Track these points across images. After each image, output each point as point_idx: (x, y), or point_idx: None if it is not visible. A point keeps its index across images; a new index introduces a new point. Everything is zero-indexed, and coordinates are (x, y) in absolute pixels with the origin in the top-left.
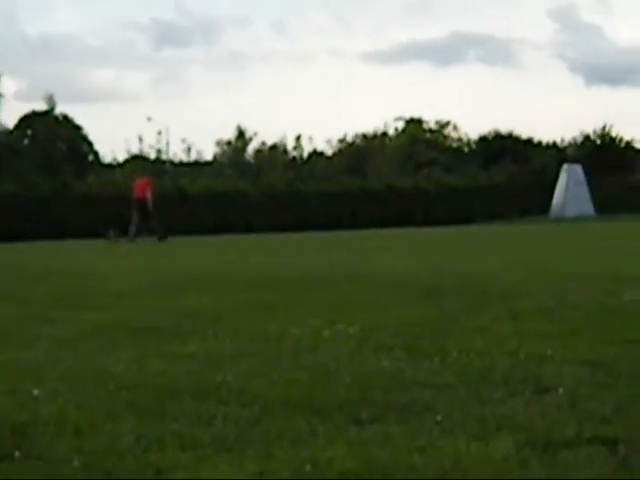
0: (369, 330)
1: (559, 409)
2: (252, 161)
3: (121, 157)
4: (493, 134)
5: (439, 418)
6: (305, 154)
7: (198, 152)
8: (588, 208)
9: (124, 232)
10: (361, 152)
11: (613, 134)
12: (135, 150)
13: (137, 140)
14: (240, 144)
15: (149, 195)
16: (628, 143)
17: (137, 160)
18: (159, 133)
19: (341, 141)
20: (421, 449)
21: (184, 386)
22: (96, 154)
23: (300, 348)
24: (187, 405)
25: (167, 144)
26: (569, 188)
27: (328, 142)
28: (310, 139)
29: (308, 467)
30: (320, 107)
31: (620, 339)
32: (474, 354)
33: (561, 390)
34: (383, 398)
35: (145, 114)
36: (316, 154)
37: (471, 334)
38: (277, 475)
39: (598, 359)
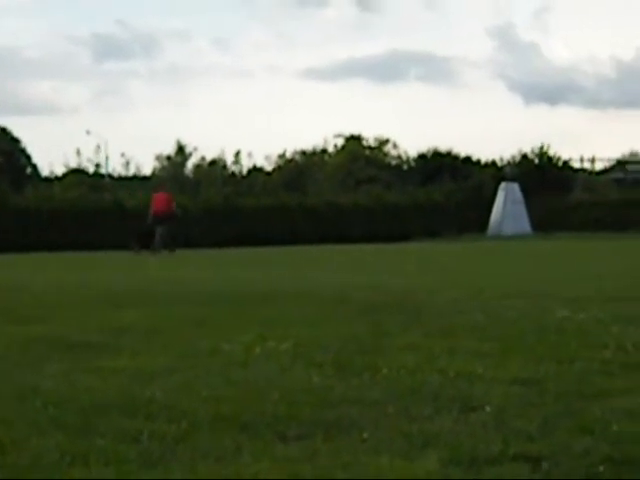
0: (301, 346)
1: (485, 427)
2: (191, 176)
3: (59, 170)
4: (432, 152)
5: (365, 435)
6: (244, 170)
7: (137, 166)
8: (525, 226)
9: (147, 245)
10: (300, 168)
11: (551, 153)
12: (74, 164)
13: (75, 154)
14: (180, 159)
15: (175, 208)
16: (565, 162)
17: (75, 174)
18: (98, 147)
19: (280, 157)
20: (345, 466)
21: (112, 402)
22: (34, 167)
23: (230, 364)
24: (114, 421)
25: (106, 158)
26: (506, 206)
27: (267, 158)
28: (249, 155)
29: None
30: (260, 123)
31: (552, 357)
32: (404, 371)
33: (488, 408)
34: (311, 415)
35: (84, 127)
36: (255, 170)
37: (402, 351)
38: None
39: (528, 377)
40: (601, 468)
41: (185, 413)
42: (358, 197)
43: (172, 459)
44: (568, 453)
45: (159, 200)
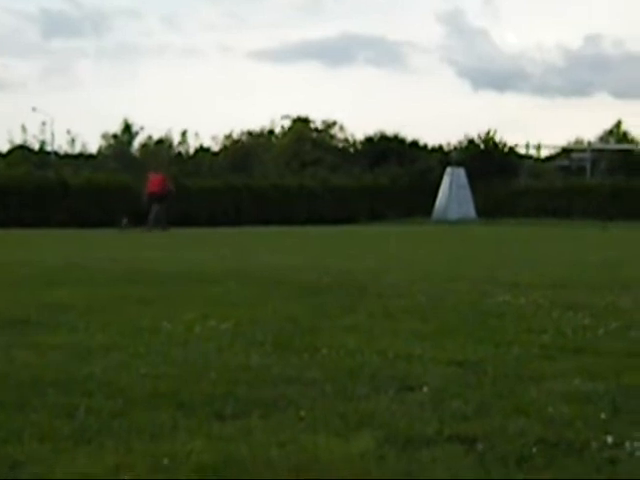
0: (242, 326)
1: (422, 407)
2: (137, 155)
3: (4, 147)
4: (379, 135)
5: (302, 414)
6: (191, 150)
7: (83, 144)
8: (470, 211)
9: (137, 222)
10: (247, 149)
11: (497, 139)
12: (19, 140)
13: (21, 130)
14: (126, 138)
15: (172, 188)
16: (511, 148)
17: (20, 150)
18: (44, 124)
19: (227, 138)
20: (281, 444)
21: (49, 378)
22: None
23: (171, 343)
24: (50, 397)
25: (52, 135)
26: (452, 191)
27: (214, 138)
28: (196, 135)
29: (165, 461)
30: (208, 103)
31: (491, 340)
32: (344, 351)
33: (426, 389)
34: (248, 393)
35: (31, 104)
36: (202, 150)
37: (343, 332)
38: (133, 468)
39: (467, 359)
40: (534, 449)
41: (122, 390)
42: (304, 179)
43: (107, 435)
44: (503, 434)
45: (154, 181)
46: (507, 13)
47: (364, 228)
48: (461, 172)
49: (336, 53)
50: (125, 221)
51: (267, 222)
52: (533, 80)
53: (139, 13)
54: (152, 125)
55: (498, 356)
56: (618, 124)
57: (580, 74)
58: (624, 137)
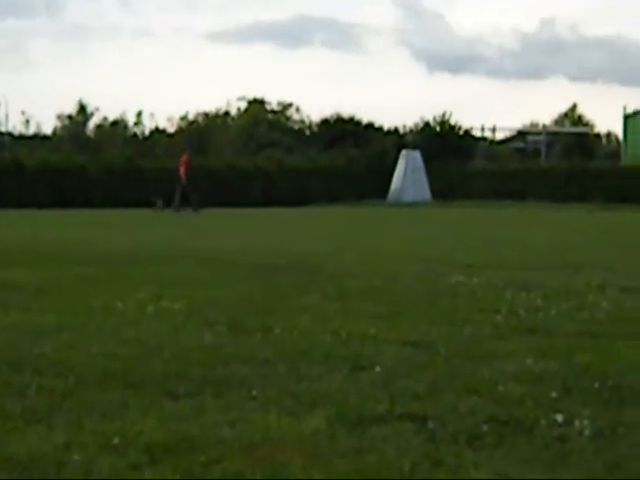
0: (195, 306)
1: (374, 386)
2: (92, 136)
3: None
4: (335, 117)
5: (254, 393)
6: (147, 131)
7: (38, 125)
8: (425, 193)
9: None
10: (202, 131)
11: (452, 122)
12: None
13: None
14: (81, 118)
15: (182, 171)
16: (467, 131)
17: None
18: None
19: (183, 119)
20: (232, 423)
21: (0, 357)
22: None
23: (123, 322)
24: (1, 376)
25: (6, 116)
26: (407, 173)
27: (170, 120)
28: (152, 116)
29: (116, 439)
30: (163, 85)
31: (444, 320)
32: (297, 332)
33: (378, 368)
34: (201, 373)
35: None
36: (158, 131)
37: (297, 312)
38: (84, 447)
39: (420, 339)
40: (485, 428)
41: (73, 369)
42: (259, 160)
43: (58, 414)
44: (454, 413)
45: (180, 163)
46: None
47: (319, 210)
48: (416, 155)
49: (291, 35)
50: (160, 203)
51: (222, 203)
52: (489, 63)
53: None
54: (107, 106)
55: (451, 336)
56: (573, 107)
57: (535, 57)
58: (579, 120)
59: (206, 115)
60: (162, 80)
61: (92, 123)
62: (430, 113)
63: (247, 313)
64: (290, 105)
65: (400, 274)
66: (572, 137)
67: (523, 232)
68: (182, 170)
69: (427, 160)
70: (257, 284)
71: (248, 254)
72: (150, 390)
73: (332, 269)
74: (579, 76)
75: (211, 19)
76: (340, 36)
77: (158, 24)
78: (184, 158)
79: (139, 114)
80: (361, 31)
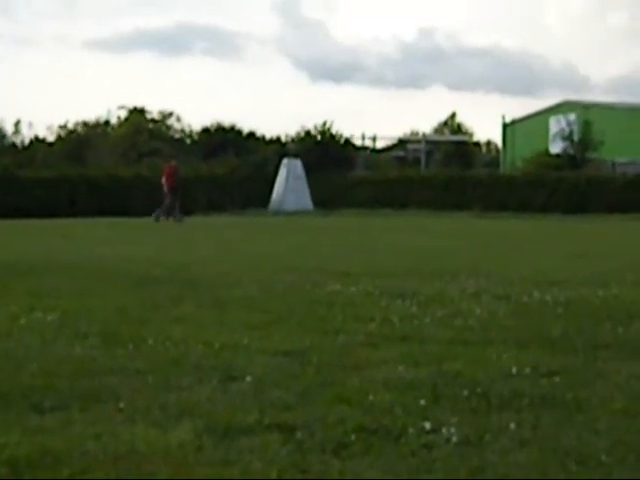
0: (68, 317)
1: (244, 397)
2: None
3: None
4: (216, 126)
5: (122, 405)
6: (27, 140)
7: None
8: (307, 202)
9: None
10: (82, 140)
11: (333, 130)
12: None
13: None
14: None
15: (163, 180)
16: (347, 140)
17: None
18: None
19: (62, 128)
20: (98, 436)
21: None
22: None
23: None
24: None
25: None
26: (289, 182)
27: (49, 128)
28: (30, 125)
29: None
30: (43, 93)
31: (318, 329)
32: (170, 342)
33: (249, 378)
34: (69, 385)
35: None
36: (37, 141)
37: (171, 322)
38: None
39: (292, 349)
40: (353, 436)
41: None
42: (140, 169)
43: None
44: (323, 422)
45: (163, 172)
46: (343, 5)
47: (200, 219)
48: (298, 163)
49: (172, 43)
50: (157, 212)
51: (102, 213)
52: (369, 72)
53: None
54: None
55: (324, 345)
56: (452, 116)
57: (415, 66)
58: (459, 128)
59: (86, 124)
60: (41, 88)
61: None
62: (312, 122)
63: (120, 324)
64: (171, 114)
65: (277, 283)
66: (452, 145)
67: (401, 240)
68: (164, 179)
69: (308, 169)
70: (132, 295)
71: (125, 264)
72: (15, 404)
73: (209, 278)
74: (459, 85)
75: (91, 27)
76: (222, 45)
77: (37, 31)
78: (169, 167)
79: (17, 123)
80: (243, 40)
